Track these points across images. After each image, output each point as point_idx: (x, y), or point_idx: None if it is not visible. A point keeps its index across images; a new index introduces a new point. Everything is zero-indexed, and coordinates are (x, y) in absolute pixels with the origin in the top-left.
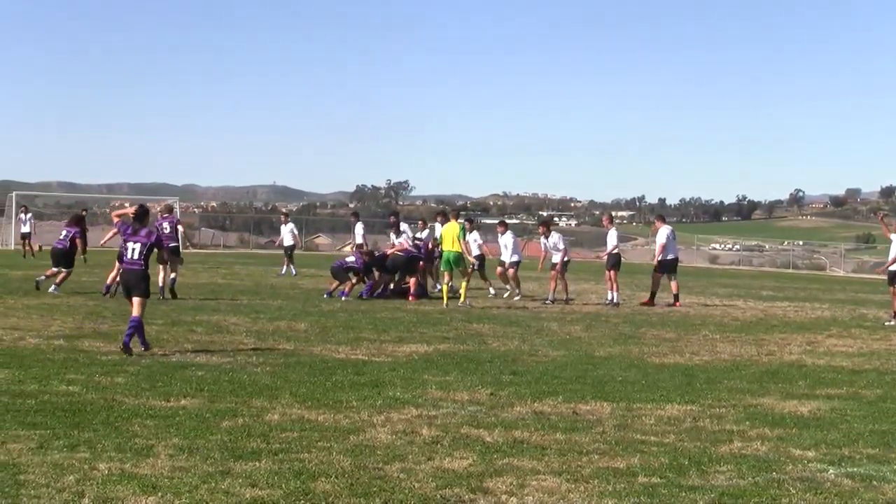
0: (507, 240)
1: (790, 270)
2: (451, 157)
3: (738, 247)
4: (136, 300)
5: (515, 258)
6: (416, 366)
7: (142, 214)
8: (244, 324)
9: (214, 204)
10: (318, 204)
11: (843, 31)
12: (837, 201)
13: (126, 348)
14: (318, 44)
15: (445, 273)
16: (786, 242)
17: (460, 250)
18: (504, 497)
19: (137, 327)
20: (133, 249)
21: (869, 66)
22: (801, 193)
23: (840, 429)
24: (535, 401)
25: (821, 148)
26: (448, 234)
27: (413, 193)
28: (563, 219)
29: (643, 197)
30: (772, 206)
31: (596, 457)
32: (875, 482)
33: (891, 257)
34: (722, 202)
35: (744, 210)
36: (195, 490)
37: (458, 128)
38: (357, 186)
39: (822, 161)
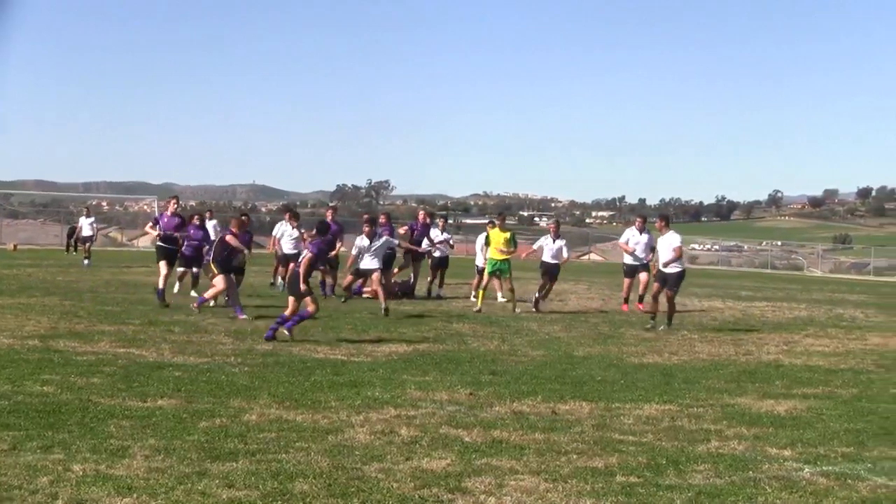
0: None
1: (768, 271)
2: (433, 156)
3: (716, 247)
4: (290, 300)
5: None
6: (396, 366)
7: (321, 228)
8: (222, 323)
9: (193, 203)
10: (298, 203)
11: (819, 33)
12: (815, 202)
13: (270, 338)
14: (299, 43)
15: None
16: (764, 243)
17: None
18: (482, 497)
19: (297, 321)
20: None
21: (846, 67)
22: (779, 194)
23: (816, 428)
24: (514, 401)
25: (799, 149)
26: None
27: (394, 193)
28: (544, 219)
29: (623, 197)
30: (750, 207)
31: (574, 456)
32: (850, 480)
33: None
34: (701, 203)
35: (723, 210)
36: (171, 491)
37: (440, 127)
38: (337, 186)
39: (801, 162)
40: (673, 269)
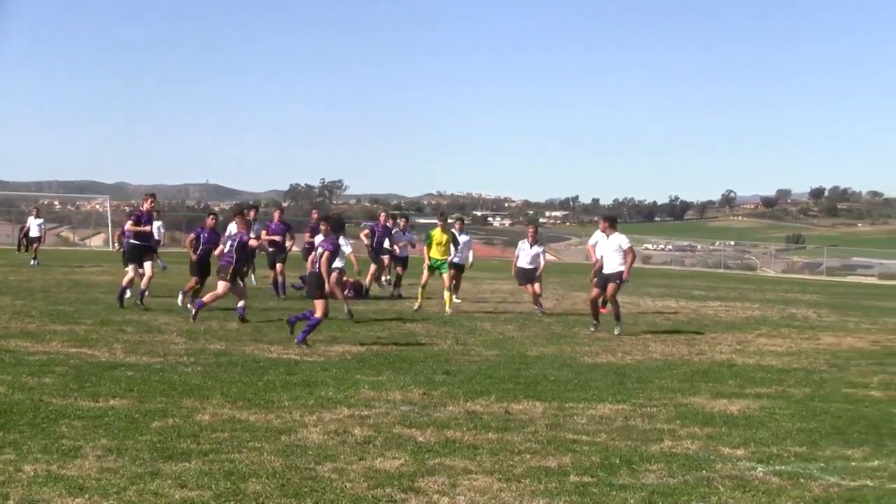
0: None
1: (721, 270)
2: (386, 156)
3: (670, 247)
4: (315, 302)
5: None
6: (349, 365)
7: (336, 225)
8: (175, 323)
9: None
10: (251, 202)
11: (771, 33)
12: (768, 202)
13: (302, 342)
14: (250, 43)
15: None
16: (717, 243)
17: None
18: (436, 497)
19: (314, 325)
20: (318, 254)
21: (799, 69)
22: (732, 194)
23: (769, 427)
24: (467, 400)
25: (752, 149)
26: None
27: (347, 193)
28: (498, 218)
29: (577, 197)
30: (704, 207)
31: (528, 456)
32: (802, 480)
33: None
34: (655, 203)
35: (676, 210)
36: (123, 491)
37: (393, 127)
38: (291, 185)
39: (754, 162)
40: (614, 270)
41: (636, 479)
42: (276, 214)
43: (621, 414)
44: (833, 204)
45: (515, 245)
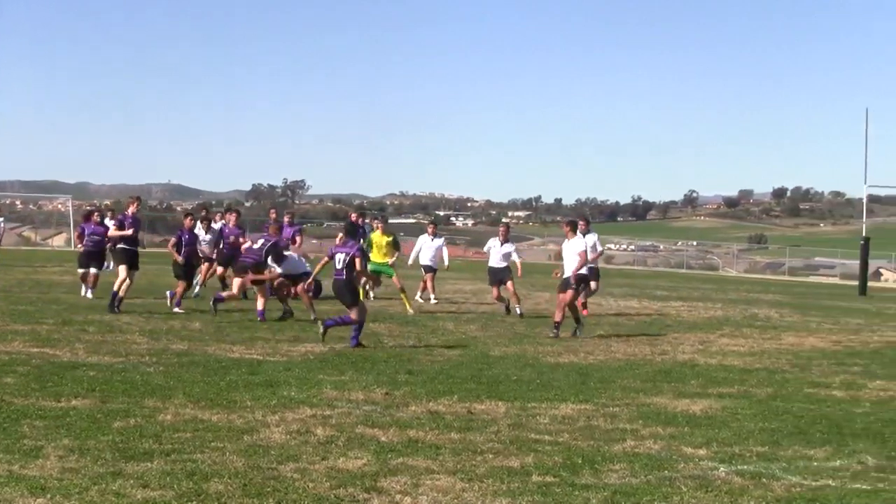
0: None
1: (684, 270)
2: (348, 156)
3: (632, 247)
4: (348, 309)
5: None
6: (312, 365)
7: (351, 230)
8: (137, 323)
9: (108, 202)
10: (213, 202)
11: (733, 34)
12: (731, 202)
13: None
14: (210, 43)
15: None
16: (679, 243)
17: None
18: (398, 496)
19: (360, 328)
20: (339, 260)
21: (760, 70)
22: (694, 194)
23: (731, 427)
24: (430, 400)
25: (714, 149)
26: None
27: (310, 192)
28: (461, 218)
29: (539, 197)
30: (666, 207)
31: (490, 456)
32: (764, 479)
33: None
34: (617, 203)
35: (639, 210)
36: (85, 492)
37: (355, 127)
38: (253, 185)
39: (716, 162)
40: (573, 273)
41: (599, 478)
42: (233, 218)
43: (584, 414)
44: (795, 204)
45: (480, 244)
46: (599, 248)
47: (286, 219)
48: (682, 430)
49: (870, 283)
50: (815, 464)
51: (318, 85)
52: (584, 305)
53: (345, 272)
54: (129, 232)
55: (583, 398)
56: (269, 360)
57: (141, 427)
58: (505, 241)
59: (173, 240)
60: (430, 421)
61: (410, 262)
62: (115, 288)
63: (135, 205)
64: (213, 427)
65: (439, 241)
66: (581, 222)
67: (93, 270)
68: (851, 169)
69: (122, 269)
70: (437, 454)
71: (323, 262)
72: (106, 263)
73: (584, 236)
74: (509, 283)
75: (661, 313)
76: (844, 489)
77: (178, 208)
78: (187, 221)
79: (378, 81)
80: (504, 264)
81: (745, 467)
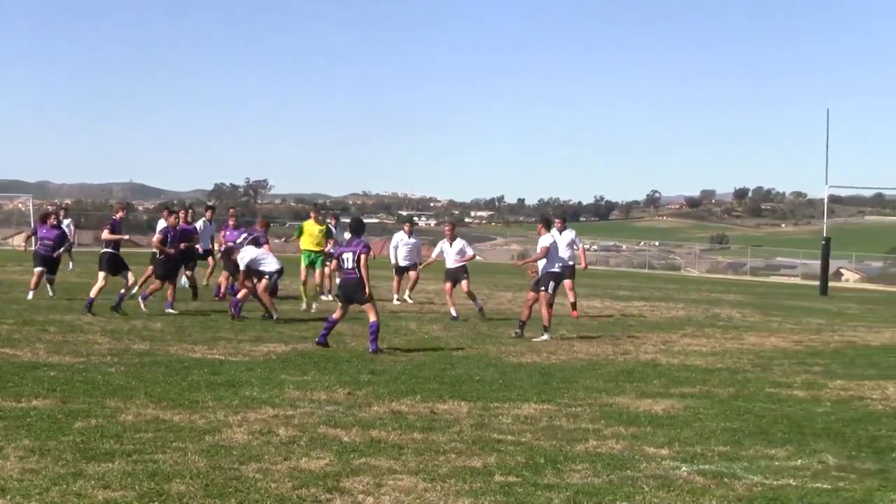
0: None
1: (646, 270)
2: (311, 155)
3: (595, 247)
4: (362, 308)
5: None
6: (274, 365)
7: (357, 227)
8: (98, 323)
9: (69, 201)
10: (175, 202)
11: (694, 35)
12: (693, 202)
13: (376, 351)
14: (172, 42)
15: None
16: (642, 243)
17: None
18: (361, 497)
19: (377, 331)
20: (347, 259)
21: (722, 69)
22: (657, 194)
23: (693, 427)
24: (392, 400)
25: (676, 149)
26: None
27: (272, 192)
28: (423, 218)
29: (502, 197)
30: (629, 207)
31: (453, 456)
32: (726, 479)
33: None
34: (580, 203)
35: (601, 210)
36: (46, 492)
37: (317, 126)
38: (215, 185)
39: (678, 163)
40: (542, 271)
41: (561, 478)
42: (181, 215)
43: (546, 414)
44: (757, 204)
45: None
46: (579, 245)
47: (231, 221)
48: (644, 429)
49: (831, 284)
50: (777, 463)
51: (282, 84)
52: (574, 306)
53: (356, 271)
54: (125, 236)
55: (545, 398)
56: (231, 361)
57: (102, 427)
58: (453, 238)
59: (159, 237)
60: (392, 421)
61: (392, 261)
62: (126, 288)
63: (124, 211)
64: (175, 427)
65: (414, 240)
66: (557, 220)
67: (37, 269)
68: (813, 169)
69: (103, 275)
70: (400, 454)
71: (332, 265)
72: (71, 265)
73: (560, 234)
74: (464, 283)
75: (624, 313)
76: (805, 488)
77: (140, 207)
78: (171, 220)
79: (342, 81)
80: (459, 264)
81: (707, 467)
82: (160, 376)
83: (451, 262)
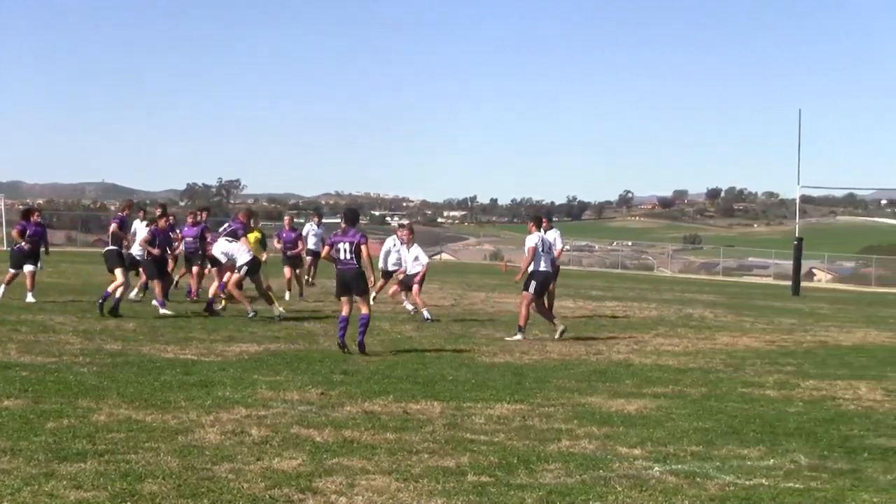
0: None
1: (619, 270)
2: (284, 155)
3: (568, 247)
4: (358, 299)
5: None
6: (247, 365)
7: (353, 217)
8: (71, 323)
9: (41, 201)
10: (147, 202)
11: (666, 33)
12: (665, 202)
13: (361, 348)
14: (143, 40)
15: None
16: (615, 243)
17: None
18: (333, 497)
19: (367, 324)
20: (344, 250)
21: (694, 70)
22: (629, 194)
23: (665, 427)
24: (365, 400)
25: (649, 149)
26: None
27: (245, 192)
28: (396, 218)
29: (475, 197)
30: (601, 207)
31: (426, 456)
32: (699, 479)
33: None
34: (553, 203)
35: (574, 210)
36: (17, 493)
37: (290, 126)
38: (188, 184)
39: (651, 163)
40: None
41: (534, 478)
42: (141, 213)
43: (519, 414)
44: (729, 204)
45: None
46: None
47: (189, 219)
48: (616, 429)
49: (803, 284)
50: (749, 463)
51: (255, 85)
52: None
53: (355, 261)
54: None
55: (518, 398)
56: (204, 361)
57: (74, 427)
58: (411, 243)
59: (146, 237)
60: (365, 421)
61: (381, 264)
62: (119, 295)
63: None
64: (148, 427)
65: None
66: (544, 220)
67: (29, 268)
68: (785, 170)
69: (122, 272)
70: (373, 454)
71: (325, 251)
72: (40, 264)
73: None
74: (415, 287)
75: (597, 313)
76: (777, 488)
77: (112, 207)
78: (162, 222)
79: (315, 82)
80: (416, 270)
81: (680, 467)
82: (133, 376)
83: (410, 268)
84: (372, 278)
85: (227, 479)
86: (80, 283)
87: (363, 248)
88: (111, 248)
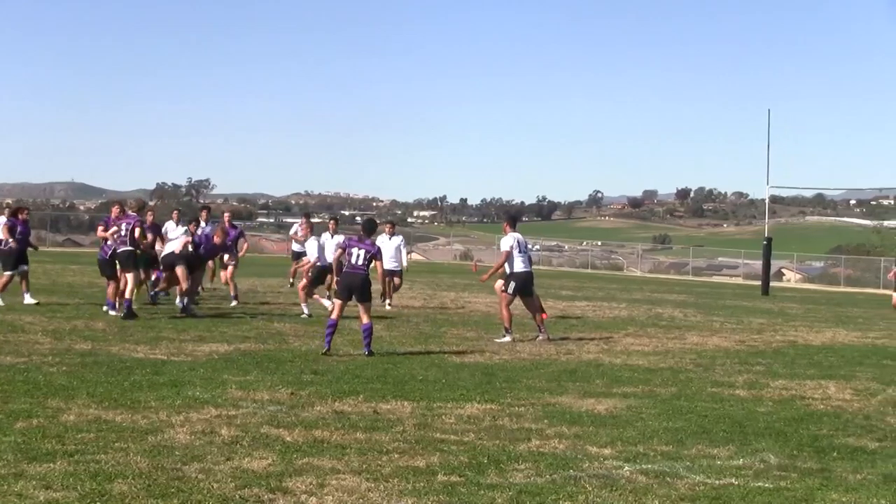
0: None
1: (589, 270)
2: (253, 155)
3: (537, 247)
4: (360, 306)
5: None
6: (217, 365)
7: (370, 228)
8: (40, 322)
9: (10, 201)
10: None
11: (637, 33)
12: (635, 202)
13: (370, 353)
14: (115, 39)
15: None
16: (584, 243)
17: None
18: (304, 497)
19: (371, 333)
20: (357, 255)
21: (665, 69)
22: (599, 194)
23: (635, 426)
24: (335, 400)
25: (618, 150)
26: None
27: (214, 192)
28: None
29: (445, 197)
30: (571, 207)
31: (396, 456)
32: (668, 478)
33: None
34: (523, 203)
35: (544, 210)
36: None
37: (259, 125)
38: (157, 184)
39: (620, 163)
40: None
41: (504, 478)
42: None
43: (489, 413)
44: (699, 205)
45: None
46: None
47: (149, 218)
48: (587, 429)
49: (772, 283)
50: (719, 462)
51: (224, 84)
52: (542, 309)
53: (366, 268)
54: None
55: (488, 398)
56: (174, 360)
57: (43, 428)
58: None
59: (186, 238)
60: (335, 421)
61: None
62: (129, 296)
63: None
64: (117, 427)
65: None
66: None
67: (24, 269)
68: (754, 170)
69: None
70: (343, 454)
71: (337, 254)
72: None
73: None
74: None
75: (567, 313)
76: (747, 487)
77: (82, 207)
78: (150, 218)
79: (284, 81)
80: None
81: (650, 466)
82: (102, 376)
83: (388, 264)
84: (385, 289)
85: (197, 479)
86: (49, 283)
87: (378, 264)
88: (126, 248)
